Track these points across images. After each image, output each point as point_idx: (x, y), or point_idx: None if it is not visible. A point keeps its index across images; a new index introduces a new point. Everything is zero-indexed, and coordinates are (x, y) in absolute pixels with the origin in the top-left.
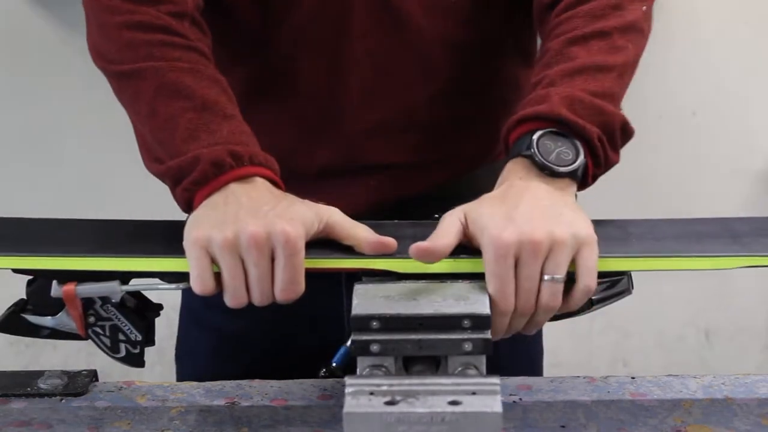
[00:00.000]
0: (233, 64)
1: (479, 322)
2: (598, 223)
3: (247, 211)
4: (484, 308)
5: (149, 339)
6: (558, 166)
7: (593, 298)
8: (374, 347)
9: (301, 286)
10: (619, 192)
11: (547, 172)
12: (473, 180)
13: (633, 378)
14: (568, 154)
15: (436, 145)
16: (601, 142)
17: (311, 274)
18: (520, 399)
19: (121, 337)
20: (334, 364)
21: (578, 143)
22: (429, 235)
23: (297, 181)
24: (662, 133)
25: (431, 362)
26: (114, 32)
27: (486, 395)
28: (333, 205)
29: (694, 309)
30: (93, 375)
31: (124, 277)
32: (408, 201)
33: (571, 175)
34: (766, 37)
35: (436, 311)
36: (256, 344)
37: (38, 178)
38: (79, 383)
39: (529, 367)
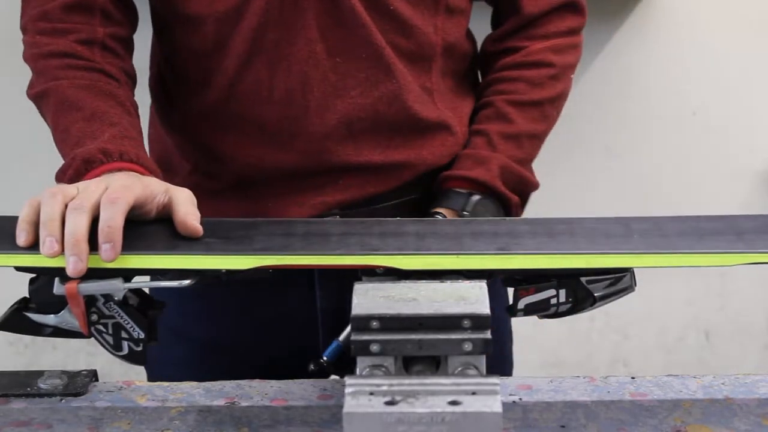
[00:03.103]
0: (195, 80)
1: (479, 322)
2: (601, 220)
3: (105, 181)
4: (484, 308)
5: (152, 336)
6: None
7: (596, 295)
8: (374, 347)
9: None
10: (620, 191)
11: None
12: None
13: (633, 378)
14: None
15: (400, 143)
16: (516, 207)
17: (286, 278)
18: (520, 399)
19: (124, 334)
20: (324, 359)
21: (501, 209)
22: (431, 232)
23: (266, 184)
24: (662, 133)
25: (431, 362)
26: (32, 63)
27: (486, 395)
28: (303, 206)
29: (694, 309)
30: (93, 375)
31: (127, 274)
32: (378, 198)
33: None
34: (766, 36)
35: (436, 311)
36: (232, 350)
37: (38, 177)
38: (79, 383)
39: (498, 350)
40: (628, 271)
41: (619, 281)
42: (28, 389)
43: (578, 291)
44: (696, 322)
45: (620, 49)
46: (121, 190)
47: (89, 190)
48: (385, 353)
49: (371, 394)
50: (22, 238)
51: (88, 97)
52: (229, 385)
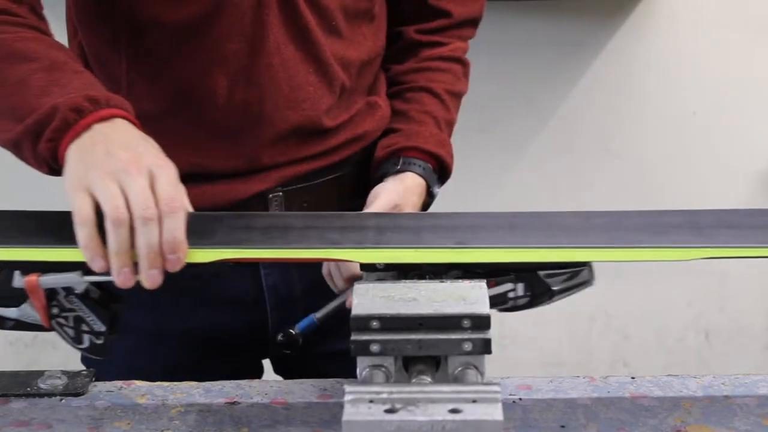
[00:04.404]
0: (153, 77)
1: (479, 322)
2: (561, 214)
3: (118, 145)
4: (484, 308)
5: (113, 330)
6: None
7: (554, 288)
8: (374, 347)
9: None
10: (620, 191)
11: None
12: (364, 153)
13: (633, 378)
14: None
15: (337, 132)
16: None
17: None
18: (520, 399)
19: (85, 327)
20: (294, 331)
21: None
22: (392, 225)
23: (208, 178)
24: (662, 133)
25: (431, 362)
26: None
27: (486, 403)
28: (247, 187)
29: (694, 309)
30: (93, 375)
31: (87, 267)
32: (309, 174)
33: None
34: (766, 37)
35: (436, 311)
36: (181, 336)
37: (37, 175)
38: (79, 383)
39: None
40: (585, 264)
41: (577, 275)
42: (28, 389)
43: (536, 285)
44: (696, 322)
45: (620, 49)
46: (178, 195)
47: (142, 194)
48: (385, 353)
49: (371, 401)
50: (96, 264)
51: (41, 48)
52: (229, 385)
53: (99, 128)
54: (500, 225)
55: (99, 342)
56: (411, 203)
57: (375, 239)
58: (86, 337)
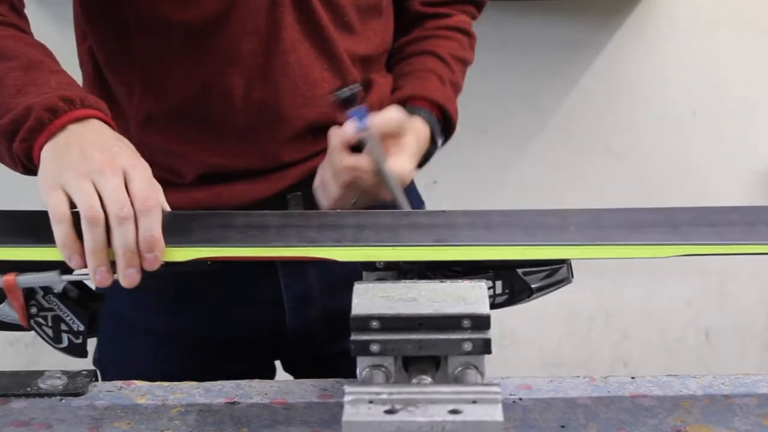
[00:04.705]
0: (167, 78)
1: (479, 322)
2: (539, 212)
3: (93, 145)
4: (484, 308)
5: (92, 329)
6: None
7: (533, 286)
8: (374, 347)
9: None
10: (620, 191)
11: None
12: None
13: (633, 378)
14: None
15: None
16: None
17: (246, 262)
18: (520, 399)
19: (63, 327)
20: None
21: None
22: (370, 224)
23: (226, 178)
24: (662, 133)
25: (431, 362)
26: None
27: (486, 403)
28: (267, 186)
29: (694, 309)
30: (93, 375)
31: (65, 266)
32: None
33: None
34: (766, 37)
35: (436, 311)
36: (195, 338)
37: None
38: (79, 383)
39: None
40: (563, 262)
41: (555, 273)
42: (28, 389)
43: (515, 283)
44: (696, 322)
45: (620, 49)
46: (153, 193)
47: (117, 193)
48: (385, 353)
49: (371, 402)
50: (74, 262)
51: (18, 47)
52: (229, 385)
53: (74, 129)
54: (478, 223)
55: (77, 341)
56: (415, 139)
57: (353, 237)
58: (65, 337)
